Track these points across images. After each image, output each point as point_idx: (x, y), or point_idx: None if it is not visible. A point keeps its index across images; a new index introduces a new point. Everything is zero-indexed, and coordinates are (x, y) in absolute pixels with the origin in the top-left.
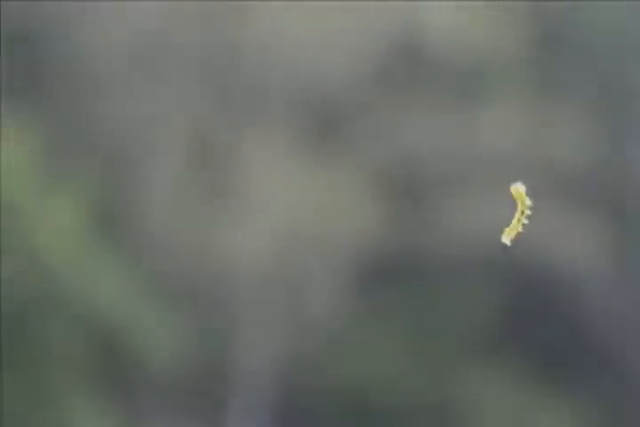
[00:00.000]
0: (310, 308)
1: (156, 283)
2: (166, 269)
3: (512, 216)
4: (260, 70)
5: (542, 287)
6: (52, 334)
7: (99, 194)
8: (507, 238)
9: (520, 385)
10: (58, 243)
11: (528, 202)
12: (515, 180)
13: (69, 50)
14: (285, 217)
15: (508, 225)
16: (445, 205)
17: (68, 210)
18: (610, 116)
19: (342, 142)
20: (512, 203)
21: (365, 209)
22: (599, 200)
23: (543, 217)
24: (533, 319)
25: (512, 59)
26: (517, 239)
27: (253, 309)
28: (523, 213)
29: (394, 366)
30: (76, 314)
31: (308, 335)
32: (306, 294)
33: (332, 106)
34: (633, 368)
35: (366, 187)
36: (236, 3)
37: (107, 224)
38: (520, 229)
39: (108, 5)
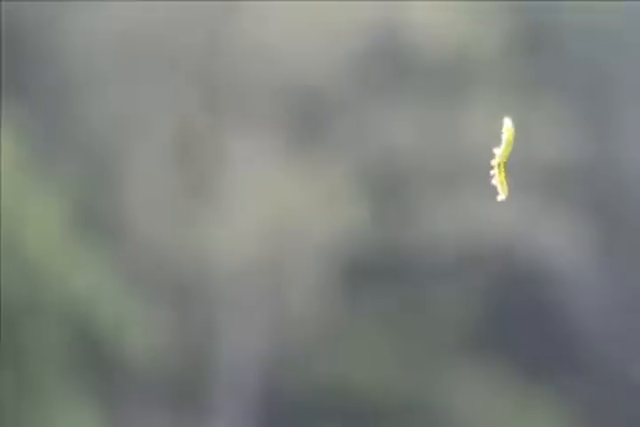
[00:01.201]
0: (293, 306)
1: (138, 280)
2: (149, 266)
3: (495, 213)
4: (243, 68)
5: (527, 286)
6: (33, 331)
7: (81, 192)
8: (502, 195)
9: (503, 385)
10: (40, 240)
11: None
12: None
13: (52, 50)
14: (268, 215)
15: (492, 225)
16: (428, 202)
17: (51, 208)
18: (593, 114)
19: (325, 140)
20: (496, 200)
21: (348, 207)
22: (586, 198)
23: (529, 215)
24: (517, 318)
25: (495, 56)
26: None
27: (236, 306)
28: (502, 165)
29: (377, 364)
30: (58, 311)
31: (291, 333)
32: (288, 292)
33: (315, 103)
34: (616, 368)
35: (349, 185)
36: (219, 2)
37: (89, 222)
38: (505, 177)
39: (93, 5)
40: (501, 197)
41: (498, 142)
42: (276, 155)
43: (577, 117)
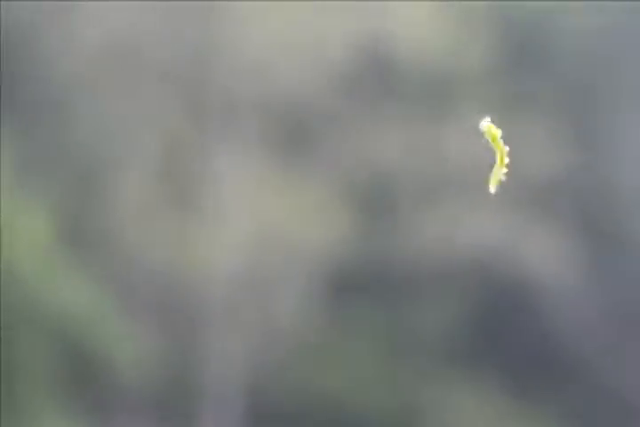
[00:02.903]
0: (280, 317)
1: (127, 295)
2: (138, 281)
3: (480, 224)
4: (230, 82)
5: (513, 297)
6: (22, 346)
7: (71, 208)
8: (492, 186)
9: (490, 398)
10: (28, 257)
11: (501, 145)
12: (484, 190)
13: (36, 63)
14: (255, 228)
15: (478, 238)
16: (415, 214)
17: (39, 224)
18: (578, 127)
19: (312, 152)
20: (481, 210)
21: (335, 219)
22: (569, 210)
23: (513, 227)
24: (503, 329)
25: (482, 69)
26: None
27: (224, 319)
28: (502, 157)
29: (363, 373)
30: (46, 327)
31: (278, 344)
32: (276, 304)
33: (302, 116)
34: (601, 378)
35: (336, 197)
36: (206, 16)
37: (79, 238)
38: (503, 173)
39: (76, 16)
40: (491, 187)
41: (487, 155)
42: (264, 168)
43: (565, 130)
